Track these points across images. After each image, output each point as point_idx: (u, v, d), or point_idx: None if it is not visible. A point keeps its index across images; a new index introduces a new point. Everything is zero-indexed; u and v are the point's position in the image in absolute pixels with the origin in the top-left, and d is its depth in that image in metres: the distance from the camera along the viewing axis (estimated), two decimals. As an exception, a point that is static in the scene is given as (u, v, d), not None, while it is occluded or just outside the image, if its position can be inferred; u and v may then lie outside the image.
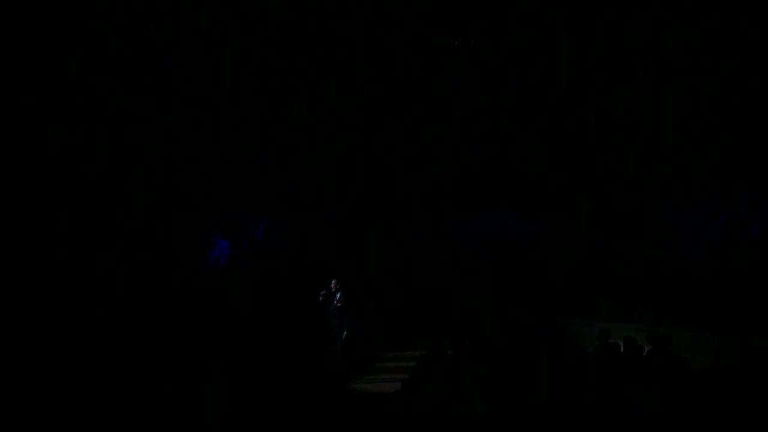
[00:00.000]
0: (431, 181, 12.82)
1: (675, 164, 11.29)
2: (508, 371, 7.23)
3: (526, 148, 12.81)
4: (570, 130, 12.39)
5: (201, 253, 12.01)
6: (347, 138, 12.68)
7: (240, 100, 12.36)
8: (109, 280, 10.64)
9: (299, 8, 11.98)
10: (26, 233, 10.20)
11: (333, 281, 10.31)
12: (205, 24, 11.80)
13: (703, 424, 6.21)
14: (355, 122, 12.83)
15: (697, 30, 10.79)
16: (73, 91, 10.97)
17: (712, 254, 10.71)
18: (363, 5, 12.03)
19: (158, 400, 7.72)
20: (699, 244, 10.93)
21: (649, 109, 11.50)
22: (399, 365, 9.93)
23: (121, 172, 11.43)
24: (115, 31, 11.16)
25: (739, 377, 7.13)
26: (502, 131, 12.89)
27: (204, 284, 11.52)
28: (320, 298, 10.09)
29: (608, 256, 11.78)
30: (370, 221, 12.39)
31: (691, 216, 11.15)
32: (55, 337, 9.43)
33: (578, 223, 12.46)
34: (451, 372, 7.02)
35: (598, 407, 6.48)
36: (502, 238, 13.09)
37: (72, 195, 10.88)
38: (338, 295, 10.30)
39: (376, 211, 12.54)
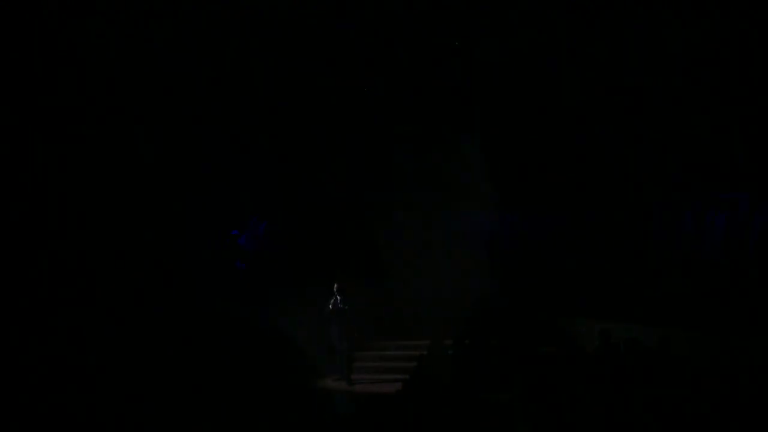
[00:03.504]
0: (432, 181, 12.81)
1: (675, 164, 11.28)
2: (508, 371, 7.24)
3: (525, 148, 12.80)
4: (570, 130, 12.38)
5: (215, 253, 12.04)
6: (348, 138, 12.67)
7: (242, 102, 12.37)
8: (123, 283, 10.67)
9: (302, 9, 11.97)
10: (32, 235, 10.23)
11: (335, 284, 10.32)
12: (208, 25, 11.80)
13: (702, 424, 6.22)
14: (355, 122, 12.82)
15: (697, 29, 10.79)
16: (81, 93, 10.99)
17: (712, 254, 10.70)
18: (365, 5, 12.02)
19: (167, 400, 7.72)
20: (699, 244, 10.93)
21: (649, 108, 11.49)
22: (400, 365, 9.93)
23: (126, 173, 11.44)
24: (120, 33, 11.17)
25: (738, 377, 7.13)
26: (500, 130, 12.88)
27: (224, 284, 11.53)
28: (330, 307, 10.13)
29: (608, 255, 11.77)
30: (372, 220, 12.38)
31: (691, 216, 11.14)
32: (70, 338, 9.44)
33: (578, 223, 12.45)
34: (451, 371, 7.03)
35: (598, 407, 6.49)
36: (502, 237, 13.08)
37: (79, 197, 10.90)
38: (339, 297, 10.31)
39: (377, 209, 12.52)
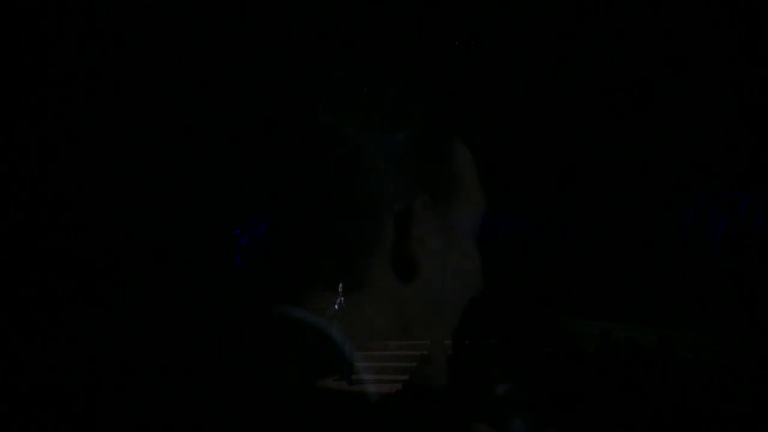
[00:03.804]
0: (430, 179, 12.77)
1: (675, 164, 11.28)
2: (509, 371, 7.23)
3: (524, 146, 12.80)
4: (570, 129, 12.38)
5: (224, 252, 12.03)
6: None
7: (239, 101, 12.36)
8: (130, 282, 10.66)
9: (299, 8, 11.97)
10: (32, 235, 10.23)
11: (340, 284, 10.36)
12: (205, 24, 11.80)
13: (703, 424, 6.22)
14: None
15: (697, 29, 10.79)
16: (79, 90, 10.97)
17: (711, 254, 10.71)
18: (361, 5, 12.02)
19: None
20: (699, 244, 10.93)
21: (650, 108, 11.49)
22: (400, 365, 9.95)
23: (125, 172, 11.43)
24: (118, 29, 11.16)
25: (739, 377, 7.13)
26: (497, 128, 12.87)
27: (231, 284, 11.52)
28: (336, 307, 10.17)
29: (608, 255, 11.77)
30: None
31: (691, 216, 11.14)
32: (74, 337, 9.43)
33: (578, 223, 12.45)
34: (451, 371, 7.02)
35: (599, 407, 6.49)
36: (501, 237, 13.09)
37: (77, 196, 10.88)
38: (343, 298, 10.36)
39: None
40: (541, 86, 12.49)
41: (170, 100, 11.86)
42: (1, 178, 10.24)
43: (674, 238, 11.21)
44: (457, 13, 12.42)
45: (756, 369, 7.23)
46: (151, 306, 10.63)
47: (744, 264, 10.21)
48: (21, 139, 10.54)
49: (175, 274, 11.35)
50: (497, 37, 12.66)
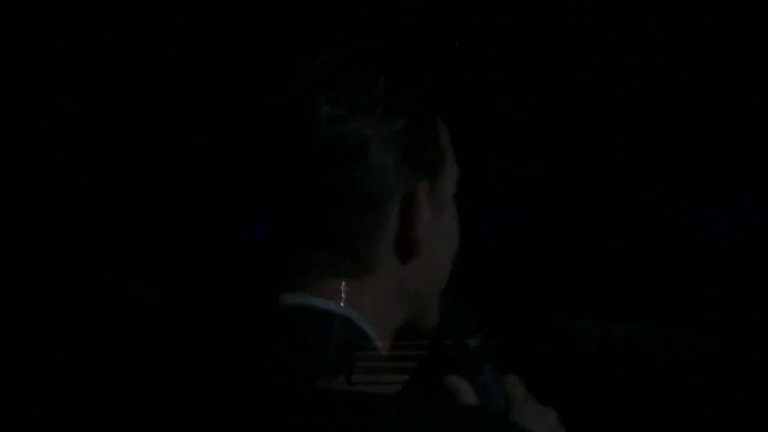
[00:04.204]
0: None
1: (675, 164, 11.28)
2: (509, 371, 7.23)
3: (524, 146, 12.80)
4: (570, 129, 12.38)
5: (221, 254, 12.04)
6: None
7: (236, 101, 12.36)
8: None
9: (299, 8, 11.97)
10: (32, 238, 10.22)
11: (342, 283, 10.34)
12: (205, 24, 11.80)
13: (703, 424, 6.22)
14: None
15: (697, 29, 10.79)
16: (78, 89, 10.97)
17: (711, 254, 10.71)
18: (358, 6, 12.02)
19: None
20: (699, 244, 10.93)
21: (650, 108, 11.49)
22: (400, 365, 9.98)
23: (126, 172, 11.43)
24: (118, 28, 11.16)
25: (739, 377, 7.13)
26: (497, 127, 12.87)
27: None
28: (342, 304, 10.12)
29: (608, 255, 11.77)
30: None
31: (691, 216, 11.14)
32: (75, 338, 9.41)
33: (578, 222, 12.45)
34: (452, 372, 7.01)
35: (598, 407, 6.49)
36: (501, 237, 13.09)
37: (80, 197, 10.88)
38: (344, 297, 10.31)
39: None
40: (541, 86, 12.49)
41: (170, 100, 11.85)
42: (1, 178, 10.24)
43: (674, 238, 11.21)
44: (457, 13, 12.42)
45: (756, 369, 7.23)
46: (151, 306, 10.61)
47: (744, 264, 10.20)
48: (21, 139, 10.54)
49: (175, 274, 11.34)
50: (497, 37, 12.67)
